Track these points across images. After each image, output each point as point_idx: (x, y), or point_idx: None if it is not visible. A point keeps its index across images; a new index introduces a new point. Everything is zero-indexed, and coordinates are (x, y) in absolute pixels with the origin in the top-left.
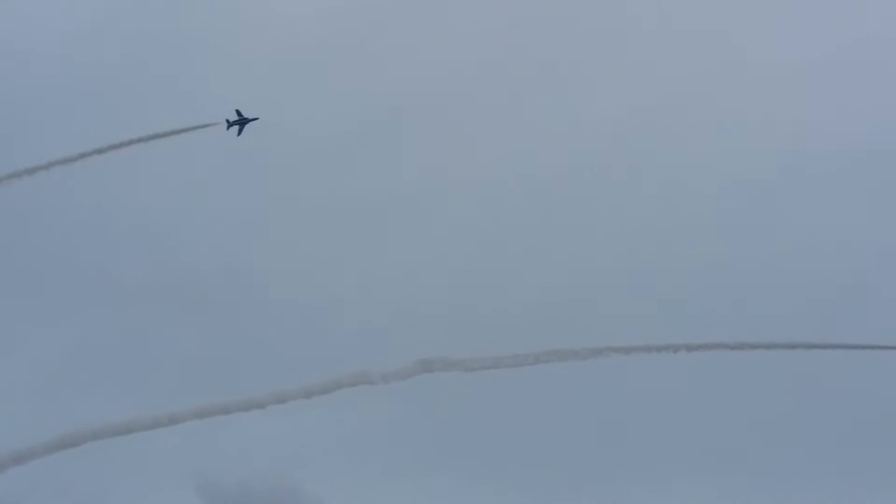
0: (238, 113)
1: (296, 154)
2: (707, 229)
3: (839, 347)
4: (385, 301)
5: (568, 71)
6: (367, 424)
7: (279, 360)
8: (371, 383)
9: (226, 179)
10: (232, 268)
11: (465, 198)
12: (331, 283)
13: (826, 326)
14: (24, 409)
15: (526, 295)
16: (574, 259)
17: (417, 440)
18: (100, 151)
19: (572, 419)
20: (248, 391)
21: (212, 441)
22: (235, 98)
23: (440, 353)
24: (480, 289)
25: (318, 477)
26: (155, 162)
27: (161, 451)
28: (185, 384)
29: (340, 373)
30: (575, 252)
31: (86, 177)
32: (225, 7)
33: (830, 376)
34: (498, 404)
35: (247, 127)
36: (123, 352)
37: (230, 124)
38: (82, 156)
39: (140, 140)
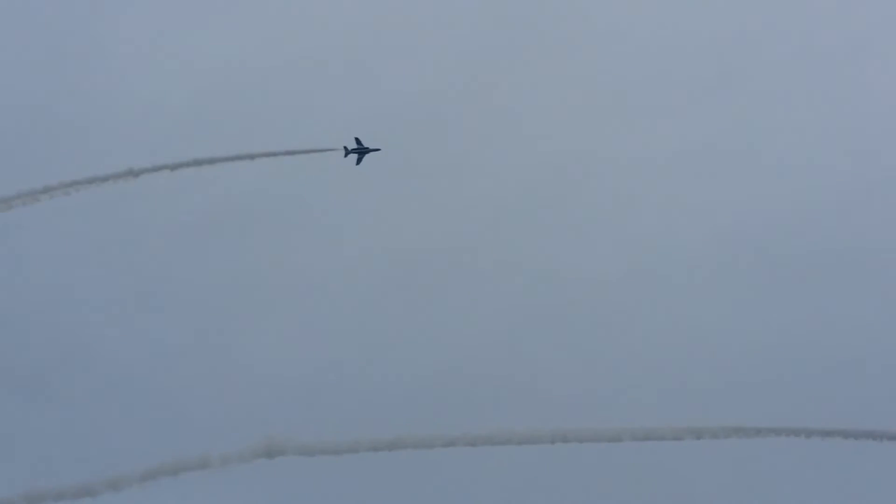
0: (357, 141)
1: None
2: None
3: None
4: (235, 381)
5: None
6: None
7: (116, 444)
8: (208, 467)
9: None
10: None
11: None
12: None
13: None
14: None
15: (387, 377)
16: (436, 341)
17: None
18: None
19: None
20: (80, 478)
21: None
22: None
23: (287, 434)
24: (337, 369)
25: None
26: None
27: None
28: (15, 470)
29: (179, 456)
30: (438, 334)
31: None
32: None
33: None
34: (349, 492)
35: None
36: None
37: (348, 152)
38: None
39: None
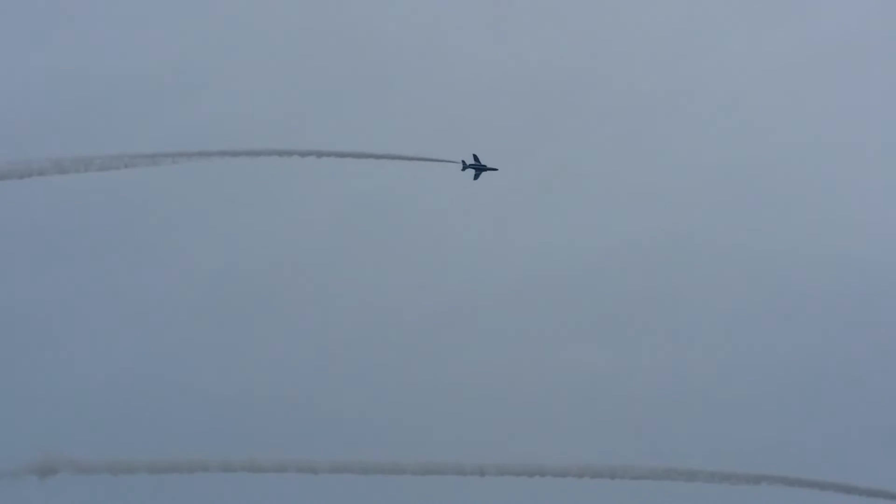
0: (475, 158)
1: None
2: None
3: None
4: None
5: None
6: None
7: None
8: None
9: None
10: None
11: None
12: None
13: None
14: None
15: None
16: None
17: None
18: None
19: None
20: None
21: None
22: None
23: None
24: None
25: None
26: None
27: None
28: None
29: None
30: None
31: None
32: None
33: None
34: None
35: None
36: None
37: (466, 166)
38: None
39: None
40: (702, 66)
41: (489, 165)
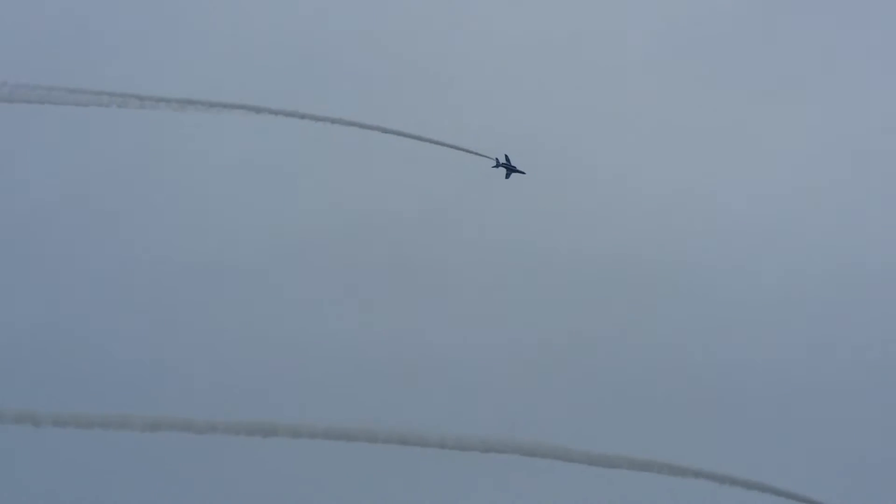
0: (507, 158)
1: None
2: None
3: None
4: None
5: None
6: None
7: None
8: None
9: None
10: None
11: None
12: None
13: None
14: None
15: None
16: None
17: None
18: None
19: None
20: None
21: None
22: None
23: None
24: None
25: None
26: None
27: None
28: None
29: None
30: None
31: None
32: None
33: None
34: None
35: None
36: None
37: (498, 164)
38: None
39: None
40: None
41: (518, 168)
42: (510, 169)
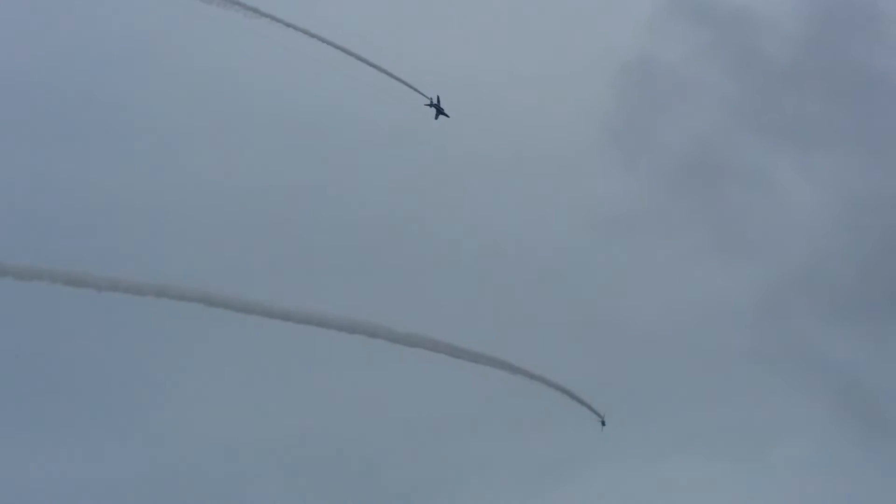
0: (438, 100)
1: None
2: None
3: None
4: None
5: None
6: None
7: None
8: None
9: None
10: None
11: None
12: None
13: None
14: None
15: None
16: None
17: None
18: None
19: None
20: None
21: None
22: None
23: None
24: None
25: None
26: None
27: None
28: None
29: None
30: None
31: None
32: None
33: None
34: None
35: None
36: None
37: (431, 104)
38: None
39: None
40: None
41: (446, 111)
42: (439, 111)
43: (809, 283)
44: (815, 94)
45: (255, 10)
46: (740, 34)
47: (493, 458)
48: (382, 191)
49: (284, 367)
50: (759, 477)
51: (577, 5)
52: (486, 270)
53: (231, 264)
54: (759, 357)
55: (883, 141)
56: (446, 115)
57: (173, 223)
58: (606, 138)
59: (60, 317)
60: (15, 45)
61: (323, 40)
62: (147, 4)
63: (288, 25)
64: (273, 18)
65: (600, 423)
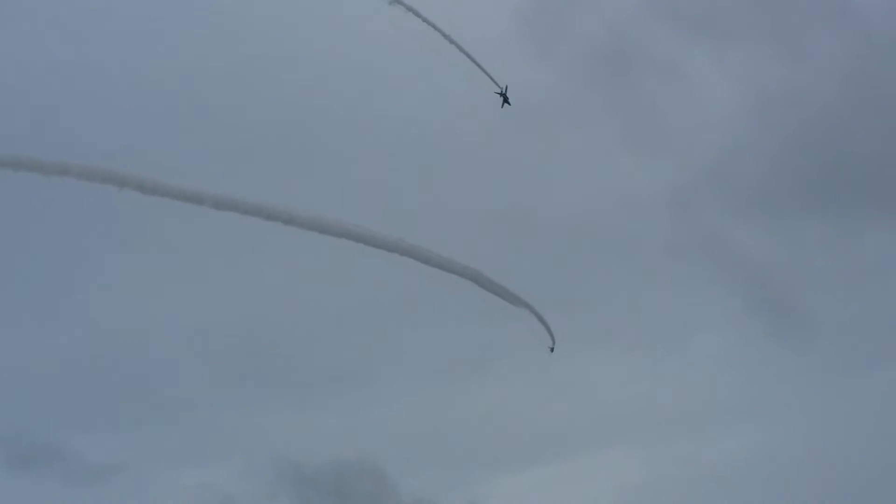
0: (506, 89)
1: None
2: None
3: None
4: None
5: None
6: None
7: None
8: None
9: None
10: None
11: None
12: None
13: None
14: None
15: None
16: None
17: None
18: None
19: None
20: None
21: None
22: None
23: None
24: None
25: None
26: None
27: None
28: None
29: None
30: None
31: None
32: None
33: None
34: None
35: None
36: None
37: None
38: None
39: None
40: None
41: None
42: (505, 99)
43: (722, 177)
44: None
45: None
46: None
47: (414, 348)
48: (308, 78)
49: (204, 254)
50: (677, 368)
51: None
52: (403, 159)
53: (152, 146)
54: (673, 250)
55: (796, 35)
56: (510, 104)
57: (96, 103)
58: (520, 27)
59: None
60: None
61: None
62: None
63: None
64: None
65: (549, 349)
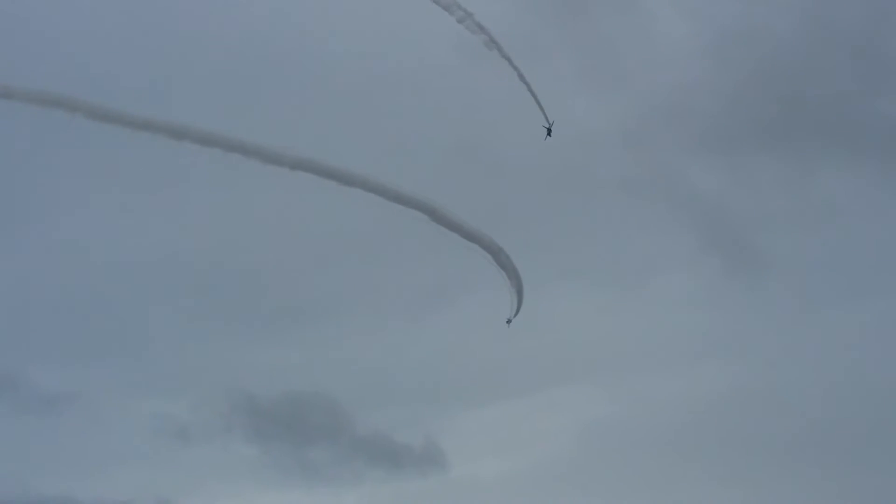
0: (552, 124)
1: None
2: None
3: None
4: None
5: None
6: None
7: None
8: None
9: None
10: None
11: None
12: None
13: None
14: None
15: None
16: None
17: None
18: None
19: None
20: None
21: None
22: None
23: None
24: None
25: None
26: None
27: None
28: None
29: None
30: None
31: None
32: None
33: None
34: None
35: None
36: None
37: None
38: None
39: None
40: None
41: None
42: (549, 133)
43: (678, 115)
44: None
45: None
46: None
47: (375, 283)
48: (262, 8)
49: (163, 187)
50: (637, 305)
51: None
52: (358, 93)
53: (118, 77)
54: (628, 187)
55: None
56: (550, 137)
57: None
58: None
59: None
60: None
61: None
62: None
63: None
64: None
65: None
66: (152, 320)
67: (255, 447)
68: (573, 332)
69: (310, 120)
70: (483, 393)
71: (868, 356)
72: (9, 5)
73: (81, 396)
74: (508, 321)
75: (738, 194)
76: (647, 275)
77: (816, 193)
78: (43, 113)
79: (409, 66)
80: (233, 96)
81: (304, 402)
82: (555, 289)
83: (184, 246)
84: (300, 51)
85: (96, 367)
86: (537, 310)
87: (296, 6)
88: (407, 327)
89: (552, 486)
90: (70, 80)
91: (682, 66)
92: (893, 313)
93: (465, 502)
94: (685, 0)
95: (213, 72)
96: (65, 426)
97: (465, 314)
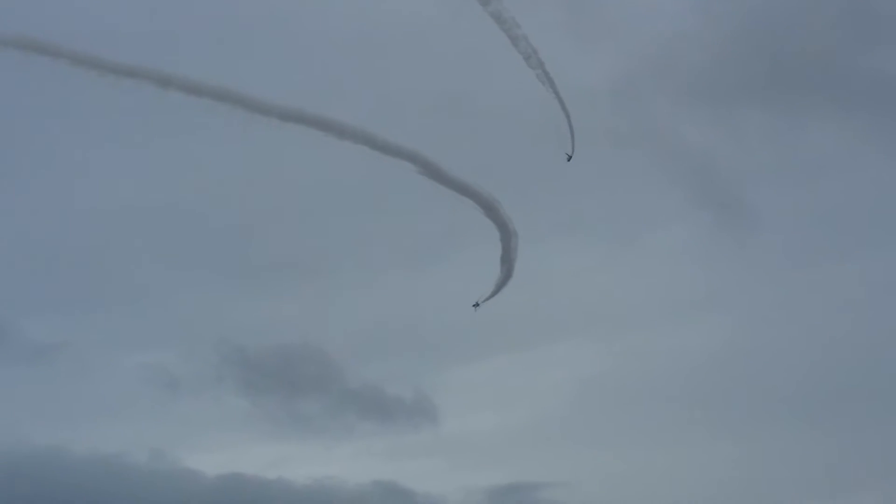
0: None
1: None
2: None
3: None
4: None
5: None
6: None
7: None
8: None
9: None
10: None
11: None
12: None
13: None
14: None
15: None
16: None
17: None
18: None
19: None
20: None
21: None
22: None
23: None
24: None
25: None
26: None
27: None
28: None
29: None
30: None
31: None
32: None
33: None
34: None
35: None
36: None
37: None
38: None
39: None
40: None
41: None
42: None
43: (667, 67)
44: None
45: None
46: None
47: (368, 237)
48: None
49: (156, 138)
50: (629, 260)
51: None
52: (351, 46)
53: (103, 25)
54: (616, 140)
55: None
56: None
57: None
58: None
59: None
60: None
61: None
62: None
63: None
64: None
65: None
66: (143, 271)
67: (247, 399)
68: (567, 287)
69: (300, 72)
70: (476, 348)
71: (860, 308)
72: None
73: (72, 347)
74: (476, 304)
75: (727, 148)
76: (639, 229)
77: (806, 147)
78: (28, 60)
79: (400, 18)
80: (222, 49)
81: (295, 354)
82: (548, 244)
83: (175, 198)
84: (289, 4)
85: (87, 318)
86: (530, 264)
87: None
88: (400, 281)
89: (545, 441)
90: (56, 26)
91: (672, 19)
92: (884, 265)
93: (457, 456)
94: None
95: (200, 22)
96: (55, 377)
97: (459, 268)
